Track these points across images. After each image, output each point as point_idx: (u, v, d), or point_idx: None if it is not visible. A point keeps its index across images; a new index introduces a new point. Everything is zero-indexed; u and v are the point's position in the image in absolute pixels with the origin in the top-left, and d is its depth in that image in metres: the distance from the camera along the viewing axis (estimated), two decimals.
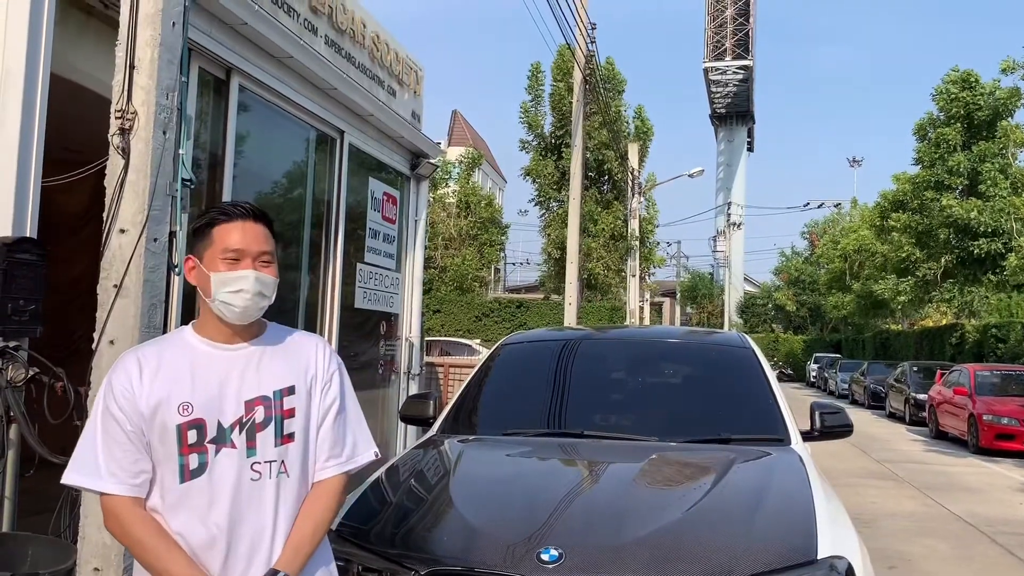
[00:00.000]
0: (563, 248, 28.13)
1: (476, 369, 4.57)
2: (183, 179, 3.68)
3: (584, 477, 3.36)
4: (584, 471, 3.47)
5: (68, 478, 1.97)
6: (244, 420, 2.00)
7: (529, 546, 2.65)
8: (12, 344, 3.69)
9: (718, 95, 70.66)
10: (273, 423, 2.03)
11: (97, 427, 1.95)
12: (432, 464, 3.57)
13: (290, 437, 2.05)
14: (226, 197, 5.67)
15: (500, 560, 2.63)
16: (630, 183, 25.84)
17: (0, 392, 3.57)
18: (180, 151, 3.66)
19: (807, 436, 4.03)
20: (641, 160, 27.80)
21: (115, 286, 3.38)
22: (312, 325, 7.05)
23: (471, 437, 3.91)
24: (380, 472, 3.49)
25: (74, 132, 4.88)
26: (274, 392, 2.05)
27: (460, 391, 4.39)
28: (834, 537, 2.81)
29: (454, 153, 51.26)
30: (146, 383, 1.96)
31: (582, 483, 3.24)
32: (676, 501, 3.01)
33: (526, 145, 28.27)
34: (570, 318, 14.84)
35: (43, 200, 4.13)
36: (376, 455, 2.27)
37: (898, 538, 7.84)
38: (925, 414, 18.85)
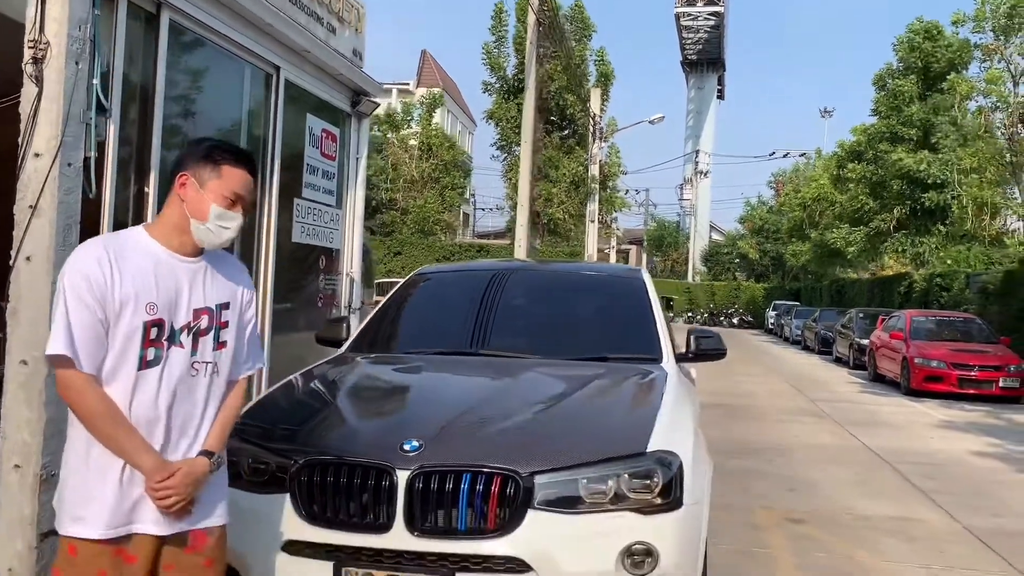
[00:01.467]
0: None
1: (387, 297, 4.89)
2: (98, 108, 3.90)
3: (459, 385, 3.73)
4: (462, 380, 3.83)
5: (51, 350, 2.18)
6: (192, 325, 2.36)
7: (395, 439, 3.01)
8: None
9: (689, 41, 70.38)
10: (213, 331, 2.40)
11: (69, 307, 2.19)
12: (330, 376, 3.91)
13: (223, 344, 2.44)
14: (156, 132, 5.84)
15: (368, 450, 2.99)
16: (591, 128, 26.02)
17: None
18: (94, 81, 3.87)
19: (682, 357, 4.41)
20: (603, 105, 27.93)
21: (31, 207, 3.63)
22: (248, 256, 7.28)
23: (373, 355, 4.24)
24: (282, 382, 3.82)
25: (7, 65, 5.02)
26: (216, 305, 2.42)
27: (371, 315, 4.72)
28: (669, 437, 3.19)
29: (421, 95, 50.89)
30: (117, 279, 2.23)
31: (455, 389, 3.60)
32: (535, 403, 3.38)
33: (489, 87, 28.24)
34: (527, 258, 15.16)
35: None
36: (263, 365, 2.66)
37: (807, 466, 8.38)
38: (866, 358, 19.58)
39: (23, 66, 3.63)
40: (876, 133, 26.65)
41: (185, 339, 2.34)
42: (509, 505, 2.84)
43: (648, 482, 2.98)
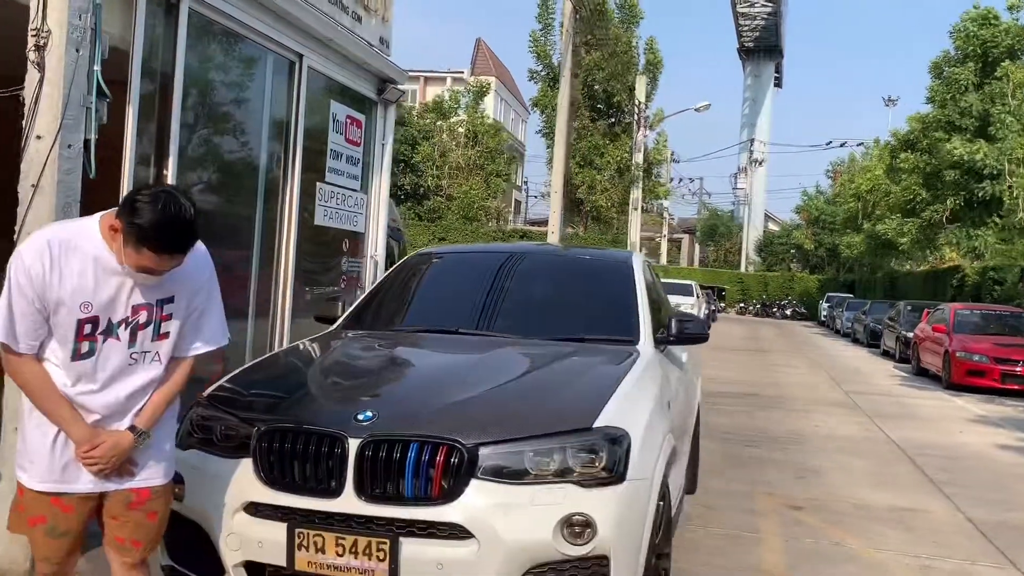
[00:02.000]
0: (568, 181, 28.51)
1: (382, 277, 5.06)
2: (98, 93, 4.12)
3: (426, 360, 3.87)
4: (430, 356, 3.98)
5: None
6: (129, 320, 2.54)
7: (351, 409, 3.17)
8: None
9: (746, 28, 69.12)
10: (152, 325, 2.58)
11: (12, 298, 2.40)
12: (309, 349, 4.09)
13: (165, 335, 2.62)
14: (175, 118, 6.10)
15: (324, 419, 3.15)
16: (636, 116, 25.90)
17: None
18: (95, 67, 4.10)
19: (663, 340, 4.48)
20: (651, 93, 27.76)
21: (32, 186, 3.87)
22: (270, 240, 7.54)
23: (360, 332, 4.41)
24: (266, 355, 4.02)
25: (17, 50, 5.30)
26: (156, 301, 2.58)
27: (364, 294, 4.89)
28: (621, 415, 3.28)
29: (473, 82, 50.99)
30: (55, 278, 2.41)
31: (421, 365, 3.75)
32: (493, 379, 3.50)
33: (535, 75, 28.28)
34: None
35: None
36: (227, 340, 2.87)
37: (822, 456, 8.35)
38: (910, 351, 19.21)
39: (27, 53, 3.86)
40: (932, 122, 25.93)
41: (123, 332, 2.53)
42: (453, 474, 2.97)
43: (592, 456, 3.09)
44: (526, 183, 64.05)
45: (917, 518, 6.14)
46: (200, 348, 2.74)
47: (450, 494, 2.96)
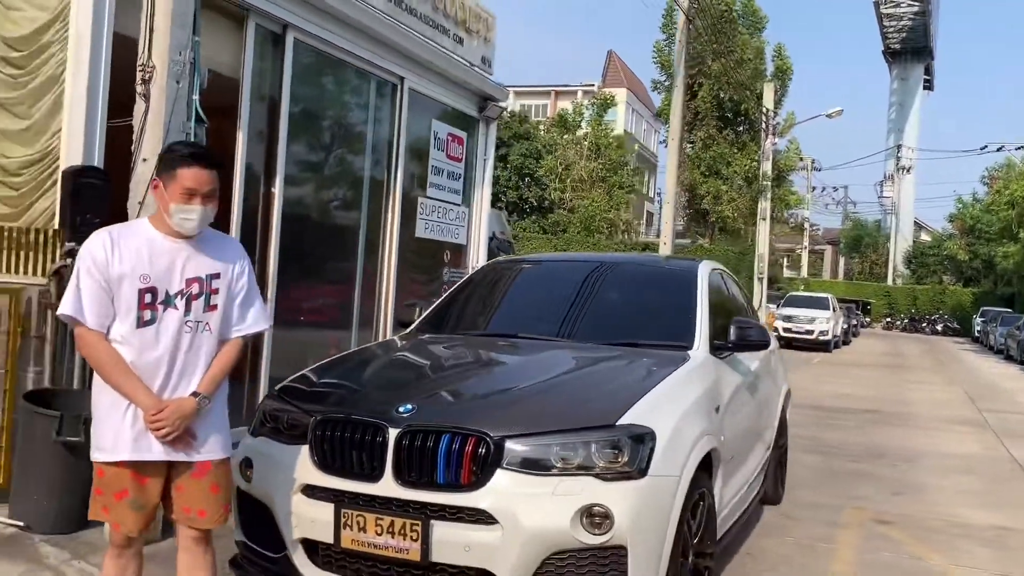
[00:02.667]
0: (692, 191, 28.15)
1: (457, 284, 5.36)
2: (196, 120, 4.63)
3: (475, 361, 4.12)
4: (481, 357, 4.22)
5: (62, 310, 2.87)
6: (184, 291, 2.94)
7: (395, 402, 3.45)
8: (77, 248, 4.82)
9: (891, 29, 65.87)
10: (203, 296, 2.97)
11: (80, 279, 2.84)
12: (376, 350, 4.42)
13: (214, 307, 3.00)
14: (282, 140, 6.67)
15: (370, 410, 3.45)
16: (764, 124, 25.34)
17: (64, 285, 4.70)
18: (194, 96, 4.61)
19: (722, 347, 4.54)
20: (780, 100, 27.11)
21: (139, 203, 4.41)
22: (373, 253, 8.04)
23: (426, 335, 4.72)
24: (338, 354, 4.39)
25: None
26: (206, 275, 2.97)
27: (439, 301, 5.21)
28: (649, 414, 3.41)
29: (602, 94, 51.07)
30: (115, 258, 2.85)
31: (470, 365, 3.99)
32: (532, 378, 3.71)
33: (658, 86, 28.16)
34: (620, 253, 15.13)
35: (119, 138, 5.21)
36: (268, 324, 3.20)
37: (930, 473, 8.01)
38: None
39: (135, 85, 4.40)
40: None
41: (179, 302, 2.91)
42: (481, 464, 3.20)
43: (615, 452, 3.24)
44: (658, 194, 63.43)
45: (1016, 538, 5.85)
46: (243, 330, 3.08)
47: (478, 482, 3.19)
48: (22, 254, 5.00)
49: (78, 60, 5.00)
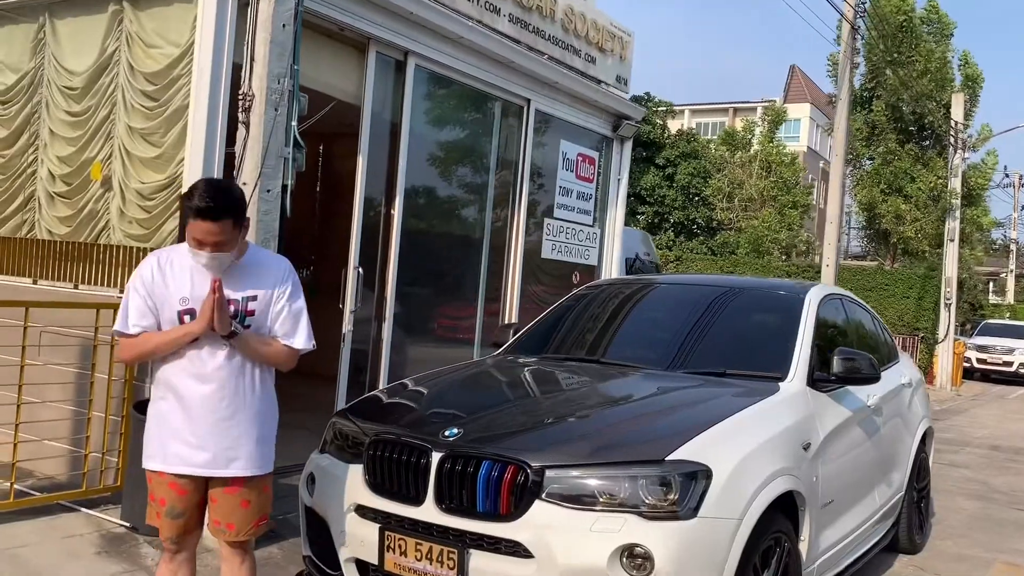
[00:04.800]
0: (871, 210, 26.36)
1: (553, 306, 5.26)
2: (295, 145, 4.82)
3: (538, 385, 3.98)
4: (546, 381, 4.08)
5: (115, 328, 3.08)
6: None
7: (444, 424, 3.40)
8: None
9: None
10: (239, 316, 3.06)
11: (129, 297, 3.03)
12: (453, 371, 4.39)
13: (248, 326, 3.08)
14: (402, 165, 6.84)
15: (418, 432, 3.42)
16: (953, 137, 23.37)
17: None
18: (292, 123, 4.80)
19: (821, 380, 4.16)
20: (970, 111, 24.93)
21: None
22: (497, 268, 8.08)
23: (510, 357, 4.64)
24: (414, 375, 4.41)
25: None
26: (241, 297, 3.07)
27: (531, 324, 5.13)
28: (708, 450, 3.17)
29: (796, 110, 48.94)
30: (160, 279, 3.04)
31: (531, 389, 3.87)
32: (592, 406, 3.54)
33: (834, 99, 26.59)
34: (827, 280, 14.25)
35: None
36: (311, 347, 3.23)
37: None
38: None
39: (237, 114, 4.65)
40: None
41: None
42: (519, 494, 3.08)
43: (663, 489, 3.03)
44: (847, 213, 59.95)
45: None
46: (289, 343, 3.13)
47: (516, 512, 3.08)
48: None
49: (199, 91, 5.35)
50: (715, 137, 35.48)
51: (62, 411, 5.32)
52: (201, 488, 3.06)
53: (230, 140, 5.50)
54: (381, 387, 4.28)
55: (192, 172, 5.34)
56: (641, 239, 13.02)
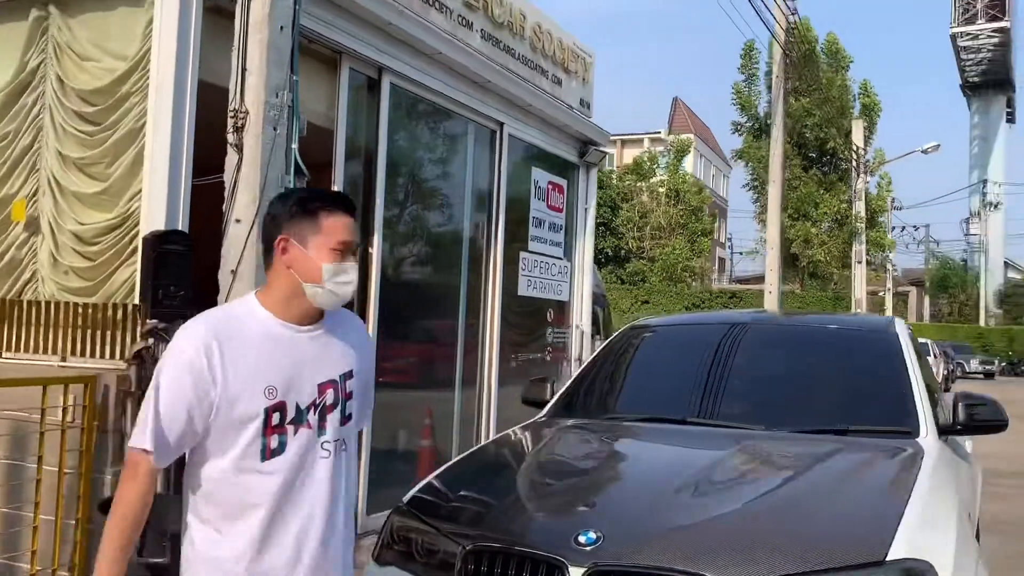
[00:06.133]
0: (781, 234, 26.88)
1: (596, 352, 4.51)
2: (296, 172, 3.94)
3: (656, 462, 3.22)
4: (661, 456, 3.32)
5: (135, 443, 2.00)
6: (317, 402, 2.09)
7: (572, 528, 2.59)
8: (161, 325, 4.14)
9: (969, 63, 63.65)
10: (339, 406, 2.13)
11: (161, 398, 1.97)
12: (519, 443, 3.58)
13: (349, 418, 2.16)
14: (379, 192, 5.98)
15: (539, 540, 2.60)
16: (854, 163, 24.11)
17: (148, 369, 4.01)
18: (293, 145, 3.92)
19: (947, 430, 3.59)
20: (868, 138, 25.86)
21: (232, 272, 3.70)
22: (474, 311, 7.27)
23: (569, 421, 3.86)
24: (475, 447, 3.56)
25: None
26: (339, 376, 2.14)
27: (576, 374, 4.36)
28: (921, 539, 2.50)
29: (672, 141, 50.24)
30: (226, 366, 1.99)
31: (651, 467, 3.11)
32: (747, 490, 2.81)
33: (739, 127, 27.22)
34: (770, 306, 14.09)
35: (206, 197, 4.59)
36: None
37: None
38: None
39: (226, 135, 3.74)
40: None
41: (312, 418, 2.08)
42: None
43: None
44: (730, 239, 61.92)
45: None
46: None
47: None
48: (99, 334, 4.34)
49: (158, 111, 4.40)
50: (611, 169, 35.73)
51: None
52: None
53: (196, 169, 4.57)
54: (432, 472, 3.38)
55: (153, 209, 4.37)
56: (590, 271, 12.42)
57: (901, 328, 4.19)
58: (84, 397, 3.97)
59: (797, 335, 4.30)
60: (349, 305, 2.26)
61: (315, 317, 2.14)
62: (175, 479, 3.98)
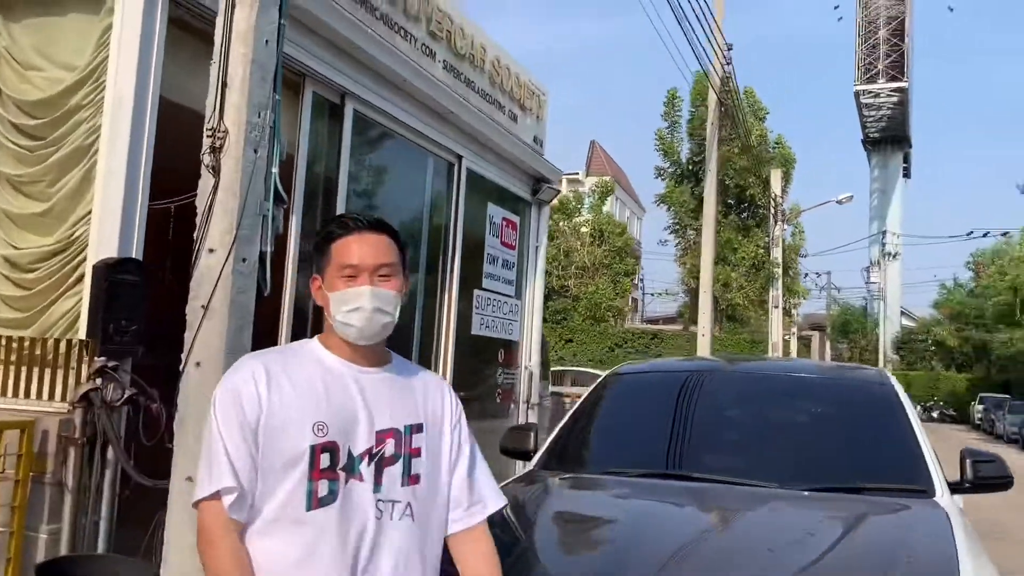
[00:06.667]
0: (699, 277, 27.49)
1: (582, 399, 4.28)
2: (275, 199, 3.60)
3: (681, 527, 2.99)
4: (683, 520, 3.09)
5: (200, 494, 1.75)
6: (374, 452, 1.82)
7: None
8: (111, 364, 3.72)
9: (871, 119, 67.12)
10: (401, 460, 1.86)
11: (225, 441, 1.73)
12: (522, 504, 3.29)
13: (416, 479, 1.88)
14: None
15: None
16: (772, 210, 24.81)
17: (95, 412, 3.58)
18: (273, 170, 3.59)
19: (956, 488, 3.48)
20: (784, 188, 26.69)
21: (203, 307, 3.32)
22: (427, 351, 6.96)
23: (568, 475, 3.60)
24: None
25: (192, 155, 4.96)
26: (405, 427, 1.88)
27: (563, 423, 4.11)
28: None
29: (592, 183, 51.11)
30: (275, 395, 1.77)
31: (677, 534, 2.87)
32: (786, 561, 2.59)
33: (662, 172, 27.77)
34: (703, 350, 14.22)
35: (163, 223, 4.20)
36: (506, 505, 2.13)
37: None
38: None
39: (201, 156, 3.38)
40: None
41: (366, 469, 1.79)
42: None
43: None
44: (642, 281, 62.98)
45: None
46: (480, 514, 1.99)
47: None
48: (35, 372, 3.86)
49: (115, 127, 4.00)
50: None
51: None
52: None
53: (154, 193, 4.18)
54: None
55: (103, 234, 3.97)
56: None
57: (895, 381, 4.11)
58: (20, 445, 3.49)
59: (796, 386, 4.16)
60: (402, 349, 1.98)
61: (375, 359, 1.87)
62: (147, 541, 3.55)
